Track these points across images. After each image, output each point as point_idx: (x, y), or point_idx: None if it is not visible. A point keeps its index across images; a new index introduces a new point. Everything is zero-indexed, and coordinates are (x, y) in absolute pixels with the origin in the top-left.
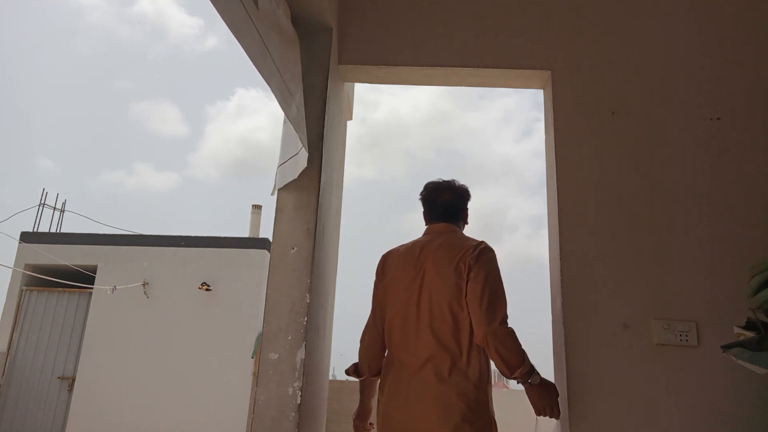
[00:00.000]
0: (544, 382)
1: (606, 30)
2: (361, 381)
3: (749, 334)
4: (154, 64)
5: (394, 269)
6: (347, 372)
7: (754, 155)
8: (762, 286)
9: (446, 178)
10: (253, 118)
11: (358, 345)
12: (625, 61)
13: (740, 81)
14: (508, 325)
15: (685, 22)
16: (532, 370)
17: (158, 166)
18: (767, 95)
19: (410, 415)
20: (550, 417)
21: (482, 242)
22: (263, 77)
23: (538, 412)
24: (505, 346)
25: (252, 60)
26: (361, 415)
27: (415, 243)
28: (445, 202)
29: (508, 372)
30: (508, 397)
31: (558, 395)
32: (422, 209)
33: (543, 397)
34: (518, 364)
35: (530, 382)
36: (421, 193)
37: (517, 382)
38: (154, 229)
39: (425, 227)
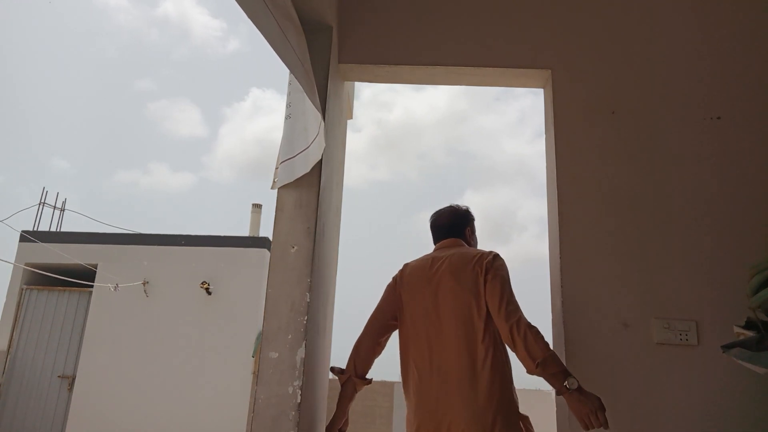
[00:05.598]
0: (583, 390)
1: (606, 29)
2: (342, 384)
3: (749, 333)
4: (177, 66)
5: (411, 279)
6: (332, 370)
7: (754, 155)
8: (762, 285)
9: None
10: (269, 118)
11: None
12: (626, 61)
13: (740, 81)
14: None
15: (686, 22)
16: (566, 373)
17: (174, 167)
18: (767, 95)
19: (442, 420)
20: (597, 426)
21: (493, 251)
22: (287, 65)
23: (584, 423)
24: (527, 335)
25: (274, 48)
26: (335, 421)
27: (427, 256)
28: (445, 223)
29: (531, 361)
30: None
31: (603, 406)
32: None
33: (584, 404)
34: (542, 353)
35: (567, 386)
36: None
37: (557, 392)
38: (166, 229)
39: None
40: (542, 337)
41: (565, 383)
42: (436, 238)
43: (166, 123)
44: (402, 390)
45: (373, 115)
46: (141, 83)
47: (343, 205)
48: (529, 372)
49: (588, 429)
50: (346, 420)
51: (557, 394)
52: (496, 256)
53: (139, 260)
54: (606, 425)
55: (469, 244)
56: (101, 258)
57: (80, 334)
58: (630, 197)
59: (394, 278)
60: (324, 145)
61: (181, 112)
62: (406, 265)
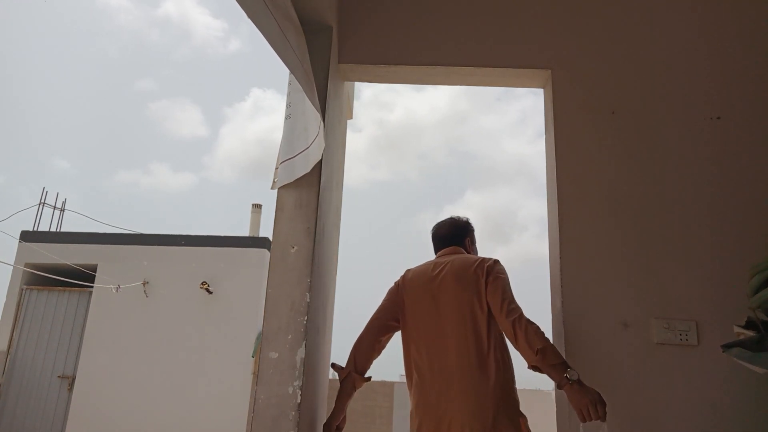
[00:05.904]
0: (583, 383)
1: (606, 29)
2: (342, 380)
3: (749, 333)
4: (178, 66)
5: (413, 283)
6: (332, 366)
7: (754, 155)
8: (762, 285)
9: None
10: (269, 119)
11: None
12: (626, 61)
13: (740, 81)
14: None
15: (686, 22)
16: (566, 364)
17: (175, 167)
18: (767, 95)
19: (443, 418)
20: (595, 418)
21: (493, 257)
22: (287, 65)
23: (582, 414)
24: (528, 328)
25: (274, 48)
26: (332, 418)
27: (429, 262)
28: (446, 233)
29: (530, 350)
30: None
31: (603, 400)
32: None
33: (584, 396)
34: (541, 342)
35: (567, 377)
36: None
37: (557, 385)
38: (166, 229)
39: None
40: (543, 333)
41: (566, 374)
42: (437, 248)
43: (166, 123)
44: (403, 390)
45: (373, 115)
46: (142, 83)
47: (343, 205)
48: (530, 363)
49: (585, 421)
50: (344, 417)
51: (557, 387)
52: (497, 261)
53: (139, 260)
54: (604, 418)
55: (469, 254)
56: (101, 258)
57: (80, 334)
58: (630, 197)
59: (396, 283)
60: (324, 145)
61: (182, 112)
62: (408, 271)
